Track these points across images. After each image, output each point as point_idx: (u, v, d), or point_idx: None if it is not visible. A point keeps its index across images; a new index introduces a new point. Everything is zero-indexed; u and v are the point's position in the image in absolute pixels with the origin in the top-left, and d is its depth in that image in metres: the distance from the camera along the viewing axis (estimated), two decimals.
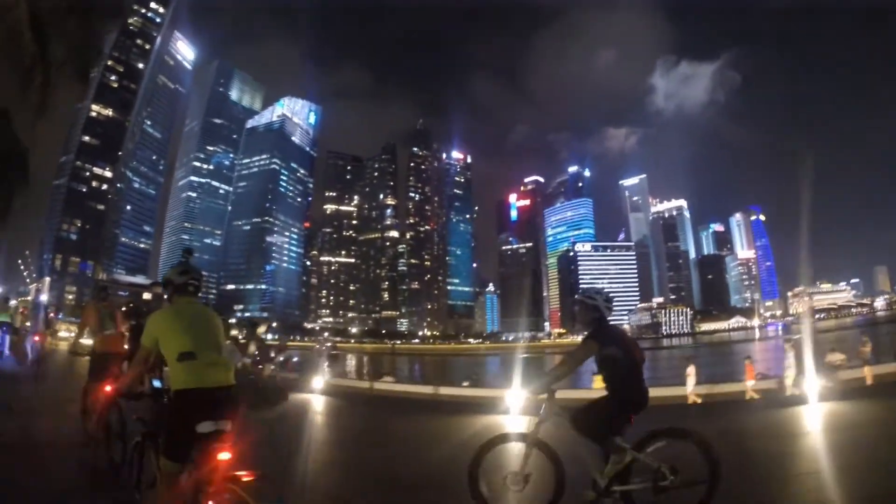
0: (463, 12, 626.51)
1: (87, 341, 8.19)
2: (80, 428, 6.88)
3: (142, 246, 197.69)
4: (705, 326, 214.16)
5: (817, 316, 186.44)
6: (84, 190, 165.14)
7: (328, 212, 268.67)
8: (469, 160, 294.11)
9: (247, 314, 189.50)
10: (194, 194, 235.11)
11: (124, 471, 4.97)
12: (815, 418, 10.08)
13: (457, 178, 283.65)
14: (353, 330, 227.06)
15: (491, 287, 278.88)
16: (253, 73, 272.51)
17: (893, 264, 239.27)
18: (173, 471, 3.57)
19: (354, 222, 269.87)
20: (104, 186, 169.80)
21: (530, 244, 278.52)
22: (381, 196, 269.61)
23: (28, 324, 23.20)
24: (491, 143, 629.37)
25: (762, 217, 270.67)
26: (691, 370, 17.07)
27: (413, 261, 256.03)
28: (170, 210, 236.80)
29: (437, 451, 7.22)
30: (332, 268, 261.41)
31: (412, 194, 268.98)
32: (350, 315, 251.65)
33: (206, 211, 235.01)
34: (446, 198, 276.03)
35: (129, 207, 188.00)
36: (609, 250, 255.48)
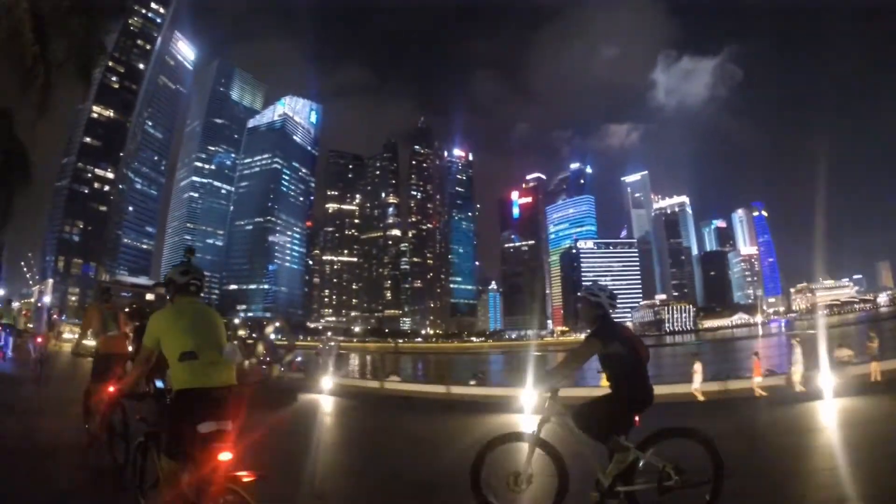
0: (464, 10, 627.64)
1: (90, 342, 8.18)
2: (82, 429, 6.88)
3: (144, 247, 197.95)
4: (708, 323, 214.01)
5: (820, 312, 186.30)
6: (86, 191, 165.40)
7: (330, 211, 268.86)
8: (471, 158, 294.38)
9: (249, 314, 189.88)
10: (196, 194, 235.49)
11: (127, 471, 4.96)
12: (830, 414, 10.06)
13: (458, 176, 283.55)
14: (356, 329, 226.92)
15: (493, 285, 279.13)
16: (254, 72, 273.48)
17: None
18: (174, 470, 3.56)
19: (356, 221, 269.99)
20: (106, 187, 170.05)
21: (532, 242, 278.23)
22: (383, 195, 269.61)
23: (30, 325, 23.24)
24: (492, 141, 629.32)
25: (764, 213, 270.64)
26: (698, 367, 17.06)
27: (415, 259, 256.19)
28: (172, 210, 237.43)
29: (451, 450, 7.15)
30: (335, 267, 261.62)
31: (414, 192, 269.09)
32: (353, 314, 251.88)
33: (209, 211, 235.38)
34: (448, 196, 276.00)
35: (131, 208, 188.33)
36: (611, 247, 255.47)
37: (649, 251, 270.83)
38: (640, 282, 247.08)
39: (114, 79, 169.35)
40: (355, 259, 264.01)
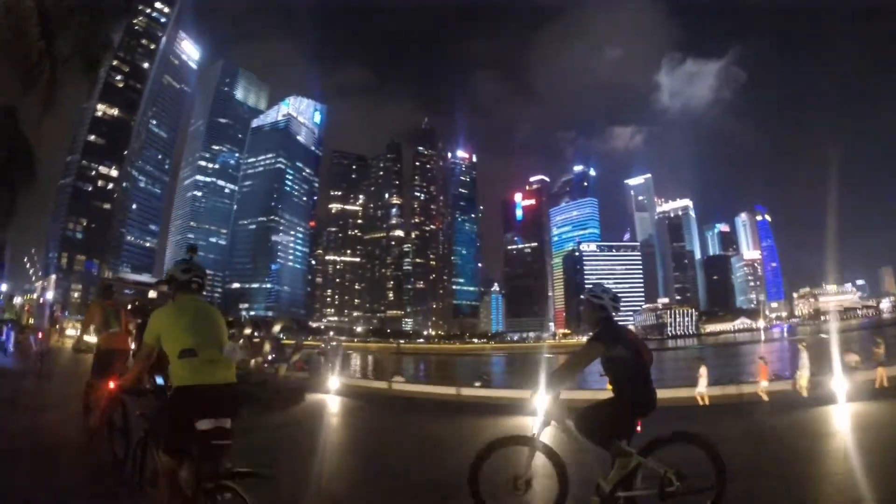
0: (466, 9, 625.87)
1: (91, 339, 8.19)
2: (82, 424, 6.88)
3: (147, 245, 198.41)
4: (710, 327, 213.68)
5: (823, 318, 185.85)
6: (90, 189, 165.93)
7: (333, 211, 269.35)
8: (474, 159, 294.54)
9: (251, 313, 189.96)
10: (200, 193, 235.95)
11: (127, 466, 4.96)
12: (845, 418, 9.99)
13: (462, 178, 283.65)
14: (358, 329, 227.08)
15: (496, 287, 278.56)
16: (258, 72, 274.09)
17: None
18: (173, 467, 3.56)
19: (360, 221, 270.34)
20: (110, 185, 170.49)
21: (535, 244, 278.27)
22: (387, 195, 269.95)
23: (32, 321, 23.30)
24: (496, 142, 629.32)
25: (768, 217, 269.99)
26: (703, 371, 17.02)
27: (418, 260, 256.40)
28: (175, 209, 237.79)
29: (461, 453, 7.13)
30: (338, 267, 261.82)
31: (417, 193, 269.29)
32: (355, 314, 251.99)
33: (212, 210, 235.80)
34: (451, 197, 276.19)
35: (134, 206, 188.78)
36: (614, 250, 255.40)
37: (652, 254, 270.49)
38: (642, 285, 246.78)
39: (118, 78, 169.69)
40: (358, 259, 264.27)
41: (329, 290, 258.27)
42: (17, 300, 32.24)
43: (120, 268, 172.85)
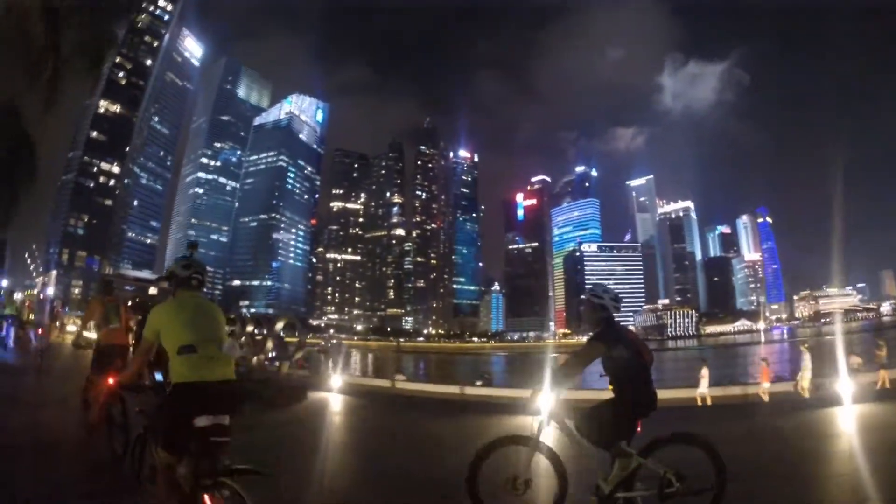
0: (468, 9, 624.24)
1: (91, 334, 8.19)
2: (81, 420, 6.88)
3: (148, 241, 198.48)
4: (710, 329, 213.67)
5: (823, 320, 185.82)
6: (91, 185, 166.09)
7: (335, 209, 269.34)
8: (476, 159, 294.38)
9: (252, 310, 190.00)
10: (201, 190, 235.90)
11: (126, 462, 4.96)
12: (852, 419, 9.97)
13: (464, 177, 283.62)
14: (358, 327, 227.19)
15: (496, 286, 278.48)
16: (260, 70, 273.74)
17: None
18: (171, 463, 3.56)
19: (361, 220, 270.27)
20: (111, 182, 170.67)
21: (536, 244, 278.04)
22: (388, 194, 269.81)
23: (32, 316, 23.32)
24: (497, 142, 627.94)
25: (769, 219, 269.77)
26: (705, 372, 17.02)
27: (419, 259, 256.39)
28: (177, 206, 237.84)
29: (464, 453, 7.09)
30: (338, 265, 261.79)
31: (419, 192, 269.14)
32: (355, 312, 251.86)
33: (213, 207, 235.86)
34: (453, 196, 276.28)
35: (136, 203, 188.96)
36: (615, 251, 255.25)
37: (653, 256, 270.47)
38: (643, 286, 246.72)
39: (121, 74, 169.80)
40: (359, 258, 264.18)
41: (329, 288, 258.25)
42: (18, 296, 32.29)
43: (121, 264, 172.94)
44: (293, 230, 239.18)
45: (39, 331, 17.58)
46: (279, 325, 20.83)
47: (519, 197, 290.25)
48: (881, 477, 5.42)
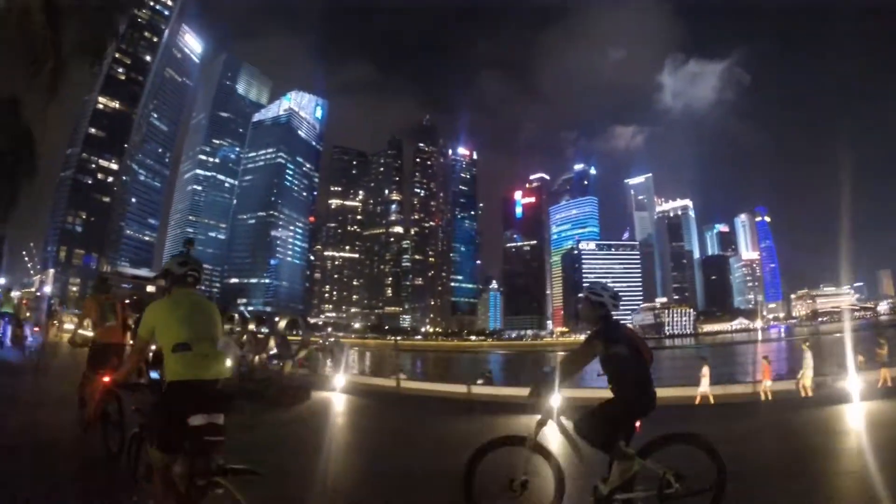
0: (469, 8, 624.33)
1: (87, 332, 8.16)
2: (76, 418, 6.87)
3: (146, 239, 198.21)
4: (708, 327, 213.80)
5: (821, 319, 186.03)
6: (90, 182, 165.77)
7: (333, 206, 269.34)
8: (475, 157, 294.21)
9: (250, 308, 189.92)
10: (200, 187, 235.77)
11: (121, 461, 4.93)
12: (848, 417, 9.94)
13: (462, 175, 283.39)
14: (356, 325, 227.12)
15: (494, 284, 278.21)
16: (260, 67, 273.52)
17: None
18: (164, 462, 3.55)
19: (359, 217, 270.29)
20: (110, 179, 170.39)
21: (535, 242, 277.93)
22: (387, 191, 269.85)
23: (29, 314, 23.26)
24: (497, 140, 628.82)
25: (767, 218, 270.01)
26: (706, 371, 16.98)
27: (417, 257, 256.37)
28: (175, 203, 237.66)
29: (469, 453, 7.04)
30: (336, 262, 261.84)
31: (417, 190, 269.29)
32: (353, 310, 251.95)
33: (212, 204, 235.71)
34: (451, 194, 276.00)
35: (134, 200, 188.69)
36: (613, 249, 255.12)
37: (651, 254, 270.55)
38: (641, 284, 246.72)
39: (120, 70, 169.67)
40: (357, 255, 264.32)
41: (327, 286, 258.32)
42: (15, 294, 32.19)
43: (119, 262, 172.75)
44: (291, 227, 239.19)
45: (36, 329, 17.55)
46: (282, 324, 20.68)
47: (517, 195, 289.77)
48: (890, 474, 5.37)
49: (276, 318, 21.01)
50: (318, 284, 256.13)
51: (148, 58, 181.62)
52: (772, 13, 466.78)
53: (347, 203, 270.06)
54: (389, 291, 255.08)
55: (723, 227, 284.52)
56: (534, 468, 4.29)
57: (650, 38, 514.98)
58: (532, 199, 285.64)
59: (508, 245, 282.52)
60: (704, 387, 16.66)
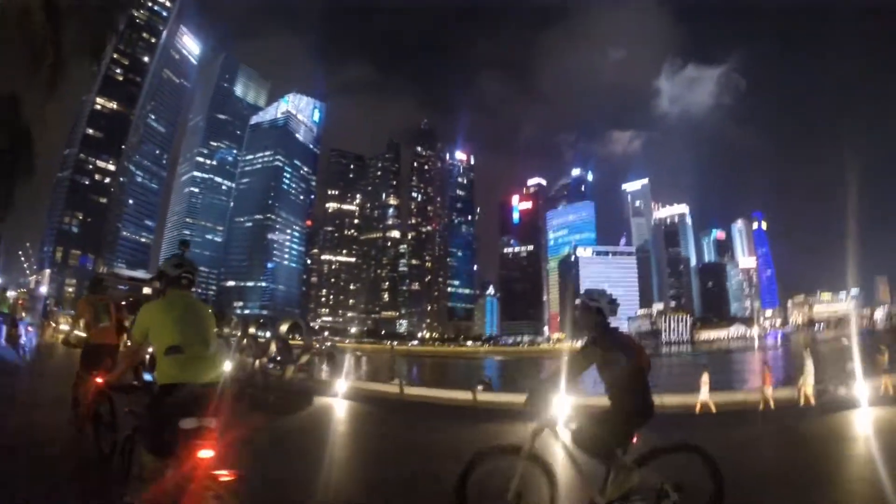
0: (468, 10, 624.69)
1: (81, 333, 8.12)
2: (70, 418, 6.82)
3: (143, 240, 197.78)
4: (705, 334, 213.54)
5: (817, 325, 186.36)
6: (87, 183, 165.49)
7: (330, 210, 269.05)
8: (472, 161, 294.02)
9: (246, 311, 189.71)
10: (197, 189, 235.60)
11: (113, 463, 4.88)
12: (852, 423, 9.93)
13: (460, 180, 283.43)
14: (353, 330, 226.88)
15: (491, 289, 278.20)
16: (258, 69, 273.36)
17: (894, 274, 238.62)
18: (155, 465, 3.54)
19: (356, 221, 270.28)
20: (107, 180, 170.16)
21: (531, 247, 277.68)
22: (384, 195, 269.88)
23: (23, 314, 23.18)
24: (494, 143, 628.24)
25: (764, 225, 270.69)
26: (706, 378, 16.93)
27: (414, 261, 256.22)
28: (172, 205, 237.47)
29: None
30: (333, 267, 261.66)
31: (415, 194, 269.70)
32: (349, 314, 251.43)
33: (209, 206, 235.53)
34: (448, 199, 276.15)
35: (131, 201, 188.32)
36: (610, 255, 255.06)
37: (648, 260, 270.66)
38: (637, 291, 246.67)
39: (118, 71, 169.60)
40: (354, 259, 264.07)
41: (324, 290, 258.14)
42: (11, 294, 32.09)
43: (115, 263, 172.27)
44: (288, 231, 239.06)
45: (29, 328, 17.46)
46: (284, 328, 20.57)
47: (515, 200, 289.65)
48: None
49: (278, 323, 21.00)
50: (315, 288, 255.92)
51: (146, 59, 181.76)
52: (771, 14, 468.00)
53: (344, 207, 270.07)
54: (386, 296, 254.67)
55: (719, 234, 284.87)
56: (529, 479, 4.15)
57: (650, 39, 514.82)
58: (529, 205, 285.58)
59: (505, 250, 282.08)
60: (705, 394, 16.60)
